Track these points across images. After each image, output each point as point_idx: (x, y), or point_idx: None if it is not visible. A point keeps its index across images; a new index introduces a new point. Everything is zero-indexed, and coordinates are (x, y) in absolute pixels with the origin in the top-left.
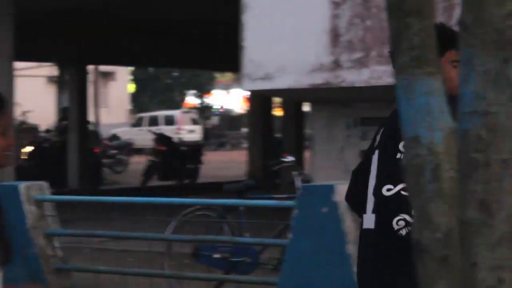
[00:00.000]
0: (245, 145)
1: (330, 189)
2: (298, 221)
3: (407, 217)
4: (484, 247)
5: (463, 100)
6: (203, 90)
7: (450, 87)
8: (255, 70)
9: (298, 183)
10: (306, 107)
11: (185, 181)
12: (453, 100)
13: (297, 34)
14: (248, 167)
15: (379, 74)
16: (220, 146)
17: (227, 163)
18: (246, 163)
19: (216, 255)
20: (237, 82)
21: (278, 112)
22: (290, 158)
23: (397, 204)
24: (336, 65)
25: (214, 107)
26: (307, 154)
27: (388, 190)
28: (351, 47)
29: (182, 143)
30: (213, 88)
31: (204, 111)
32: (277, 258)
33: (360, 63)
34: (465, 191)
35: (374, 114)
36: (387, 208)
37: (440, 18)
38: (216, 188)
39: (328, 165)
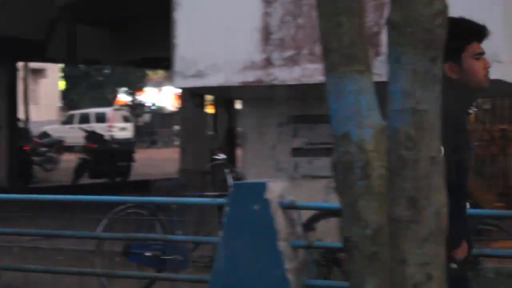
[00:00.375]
0: (177, 142)
1: (262, 186)
2: (230, 219)
3: None
4: (413, 243)
5: (392, 98)
6: (134, 87)
7: (476, 80)
8: (186, 67)
9: (230, 180)
10: (238, 105)
11: (117, 179)
12: (478, 93)
13: (228, 32)
14: (180, 165)
15: (310, 72)
16: (152, 143)
17: (159, 161)
18: (178, 161)
19: (148, 253)
20: (169, 79)
21: (210, 110)
22: (221, 156)
23: None
24: (268, 63)
25: (146, 104)
26: (239, 152)
27: None
28: (283, 45)
29: (113, 140)
30: (145, 85)
31: (136, 108)
32: (209, 256)
33: (292, 61)
34: (395, 189)
35: (305, 112)
36: None
37: (370, 17)
38: (147, 186)
39: (260, 163)
